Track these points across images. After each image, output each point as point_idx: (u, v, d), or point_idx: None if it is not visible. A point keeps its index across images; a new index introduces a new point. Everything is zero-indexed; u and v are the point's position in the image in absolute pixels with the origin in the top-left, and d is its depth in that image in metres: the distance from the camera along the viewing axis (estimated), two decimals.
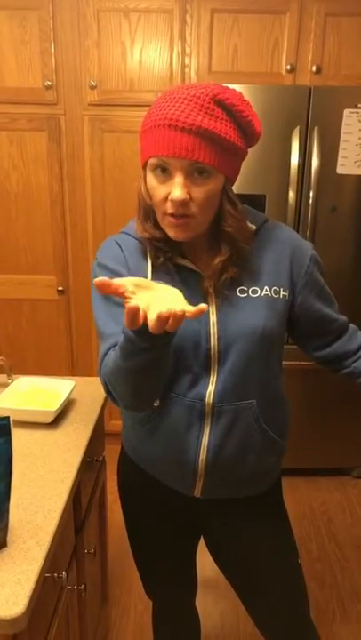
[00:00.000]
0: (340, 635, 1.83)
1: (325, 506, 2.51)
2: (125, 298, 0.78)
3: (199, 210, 0.92)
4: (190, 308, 0.77)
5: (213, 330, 0.99)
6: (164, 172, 0.91)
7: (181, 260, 1.01)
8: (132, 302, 0.76)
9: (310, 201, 2.27)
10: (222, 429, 1.03)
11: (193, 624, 1.43)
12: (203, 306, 0.77)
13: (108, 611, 1.83)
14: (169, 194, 0.90)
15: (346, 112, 2.20)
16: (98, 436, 1.47)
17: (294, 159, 2.24)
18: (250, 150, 0.98)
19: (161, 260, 1.00)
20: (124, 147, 2.46)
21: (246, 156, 0.98)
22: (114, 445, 1.40)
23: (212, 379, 1.01)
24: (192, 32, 2.34)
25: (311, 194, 2.25)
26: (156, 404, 1.03)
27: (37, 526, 0.99)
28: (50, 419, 1.35)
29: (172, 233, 0.95)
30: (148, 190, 0.95)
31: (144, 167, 0.95)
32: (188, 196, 0.90)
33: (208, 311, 1.00)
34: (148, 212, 0.98)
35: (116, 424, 1.56)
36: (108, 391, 1.00)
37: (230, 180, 0.96)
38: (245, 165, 1.00)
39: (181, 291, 0.81)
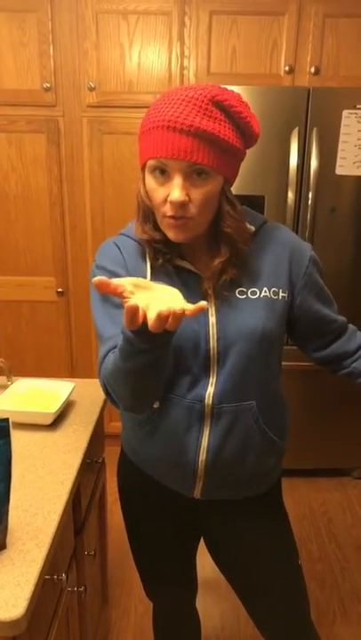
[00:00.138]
0: (341, 636, 1.82)
1: (325, 506, 2.51)
2: (124, 298, 0.78)
3: (198, 211, 0.92)
4: (190, 306, 0.77)
5: (213, 331, 0.99)
6: (163, 173, 0.91)
7: (180, 261, 1.01)
8: (132, 301, 0.76)
9: (309, 202, 2.27)
10: (222, 430, 1.03)
11: (193, 625, 1.43)
12: (202, 303, 0.77)
13: (109, 612, 1.82)
14: (168, 195, 0.90)
15: (345, 113, 2.20)
16: (97, 438, 1.47)
17: (293, 160, 2.24)
18: (249, 151, 0.98)
19: (160, 261, 1.00)
20: (123, 148, 2.46)
21: (245, 157, 0.98)
22: (114, 447, 1.40)
23: (212, 380, 1.01)
24: (191, 34, 2.35)
25: (310, 195, 2.26)
26: (156, 405, 1.03)
27: (37, 528, 0.99)
28: (49, 420, 1.35)
29: (171, 234, 0.95)
30: (147, 192, 0.95)
31: (143, 169, 0.95)
32: (186, 198, 0.90)
33: (207, 312, 1.00)
34: (148, 214, 0.98)
35: (115, 426, 1.55)
36: (107, 393, 1.00)
37: (229, 182, 0.96)
38: (244, 166, 1.00)
39: (181, 292, 0.81)
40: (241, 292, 1.01)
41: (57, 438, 1.31)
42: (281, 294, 1.03)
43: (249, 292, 1.01)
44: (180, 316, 0.76)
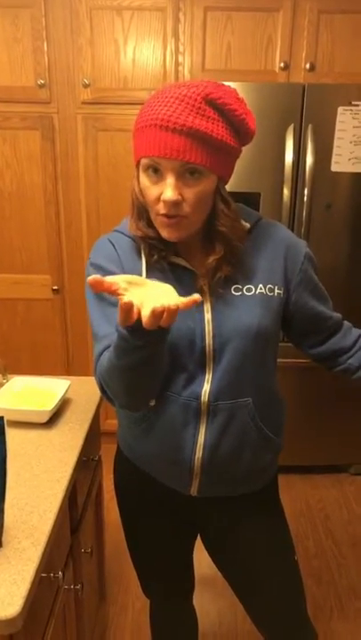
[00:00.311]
0: (338, 631, 1.83)
1: (322, 503, 2.52)
2: (118, 295, 0.77)
3: (192, 210, 0.92)
4: (183, 300, 0.77)
5: (208, 328, 0.99)
6: (156, 172, 0.91)
7: (175, 258, 1.01)
8: (126, 298, 0.76)
9: (305, 198, 2.27)
10: (218, 428, 1.03)
11: (190, 622, 1.43)
12: (196, 296, 0.77)
13: (106, 609, 1.83)
14: (161, 194, 0.90)
15: (340, 109, 2.20)
16: (93, 436, 1.47)
17: (289, 157, 2.24)
18: (244, 148, 0.97)
19: (155, 258, 1.00)
20: (118, 145, 2.46)
21: (241, 155, 0.97)
22: (110, 444, 1.40)
23: (208, 377, 1.01)
24: (185, 30, 2.34)
25: (306, 191, 2.25)
26: (152, 403, 1.02)
27: (33, 526, 0.99)
28: (45, 418, 1.35)
29: (164, 233, 0.95)
30: (141, 189, 0.95)
31: (137, 166, 0.95)
32: (179, 197, 0.89)
33: (203, 310, 1.00)
34: (142, 211, 0.98)
35: (111, 423, 1.55)
36: (103, 391, 1.00)
37: (224, 180, 0.96)
38: (240, 163, 0.99)
39: (176, 289, 0.81)
40: (236, 289, 1.01)
41: (53, 436, 1.31)
42: (276, 291, 1.03)
43: (244, 288, 1.01)
44: (174, 312, 0.76)
